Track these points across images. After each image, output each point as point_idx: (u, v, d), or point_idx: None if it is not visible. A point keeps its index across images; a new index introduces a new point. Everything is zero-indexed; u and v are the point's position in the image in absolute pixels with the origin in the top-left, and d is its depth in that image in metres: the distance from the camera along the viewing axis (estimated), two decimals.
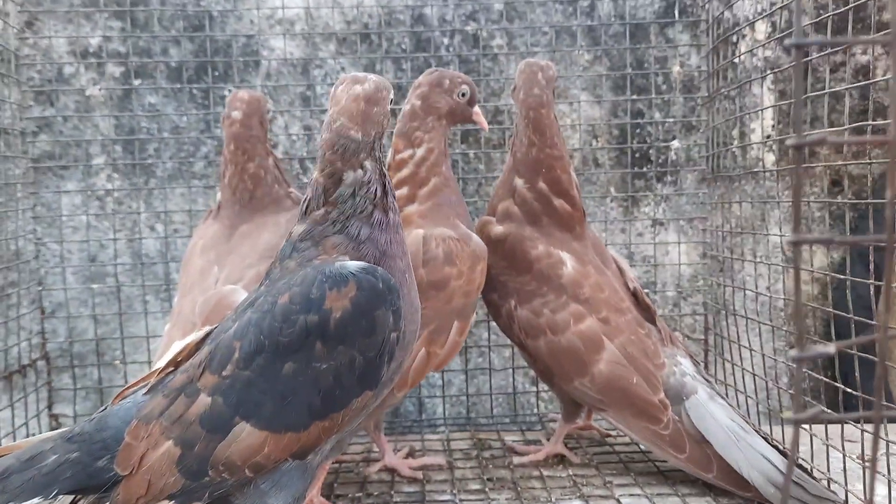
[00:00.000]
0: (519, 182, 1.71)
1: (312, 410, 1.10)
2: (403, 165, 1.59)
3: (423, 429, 2.24)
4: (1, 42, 2.16)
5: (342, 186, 1.17)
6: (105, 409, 1.23)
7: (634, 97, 2.31)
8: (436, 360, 1.51)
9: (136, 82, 2.26)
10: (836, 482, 1.52)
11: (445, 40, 2.29)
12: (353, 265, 1.14)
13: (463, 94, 1.63)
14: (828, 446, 1.57)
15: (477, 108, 1.68)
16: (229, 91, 2.27)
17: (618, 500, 1.57)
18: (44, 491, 1.11)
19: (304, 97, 2.30)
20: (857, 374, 1.47)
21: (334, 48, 2.29)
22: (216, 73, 2.27)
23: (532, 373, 2.33)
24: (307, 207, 1.20)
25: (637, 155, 2.32)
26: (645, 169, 2.32)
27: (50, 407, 2.22)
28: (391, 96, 1.23)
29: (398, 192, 1.55)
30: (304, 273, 1.14)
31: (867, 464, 1.47)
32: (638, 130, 2.32)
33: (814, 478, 1.50)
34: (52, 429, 2.17)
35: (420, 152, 1.58)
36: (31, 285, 2.22)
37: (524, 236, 1.67)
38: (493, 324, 2.24)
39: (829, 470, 1.56)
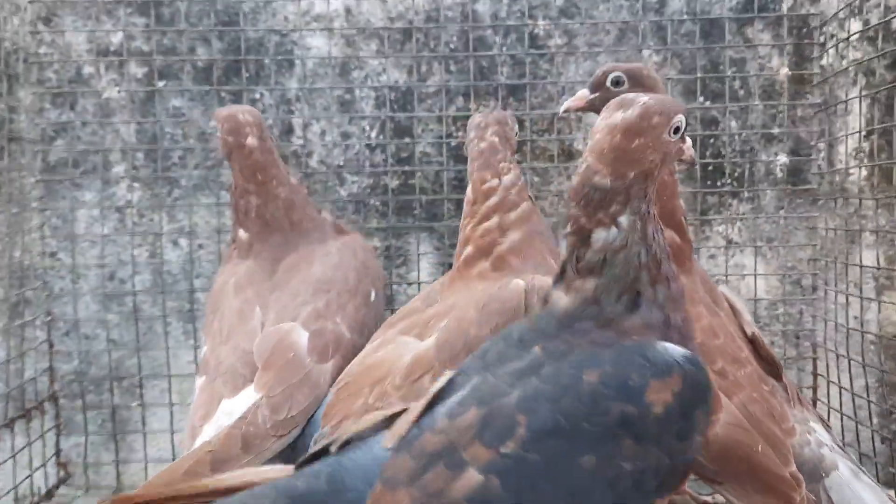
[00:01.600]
0: None
1: None
2: (492, 193, 1.48)
3: None
4: (12, 40, 1.98)
5: (590, 252, 0.95)
6: (326, 454, 0.98)
7: (708, 104, 2.08)
8: None
9: (161, 83, 2.07)
10: None
11: (498, 39, 2.08)
12: (678, 352, 0.94)
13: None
14: None
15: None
16: (261, 94, 2.08)
17: None
18: None
19: (342, 101, 2.10)
20: None
21: (376, 47, 2.09)
22: (247, 75, 2.07)
23: None
24: (563, 271, 0.99)
25: (711, 168, 2.09)
26: (718, 185, 2.09)
27: (58, 454, 2.01)
28: (675, 121, 0.97)
29: (488, 224, 1.44)
30: (618, 353, 0.93)
31: None
32: (712, 141, 2.09)
33: None
34: (61, 481, 1.99)
35: (508, 178, 1.51)
36: (39, 314, 2.02)
37: None
38: None
39: None
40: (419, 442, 0.92)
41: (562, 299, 0.98)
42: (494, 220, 1.45)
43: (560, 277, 0.99)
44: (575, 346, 0.95)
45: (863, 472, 1.34)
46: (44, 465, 1.92)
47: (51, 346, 2.04)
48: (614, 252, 0.95)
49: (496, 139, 1.56)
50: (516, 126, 1.64)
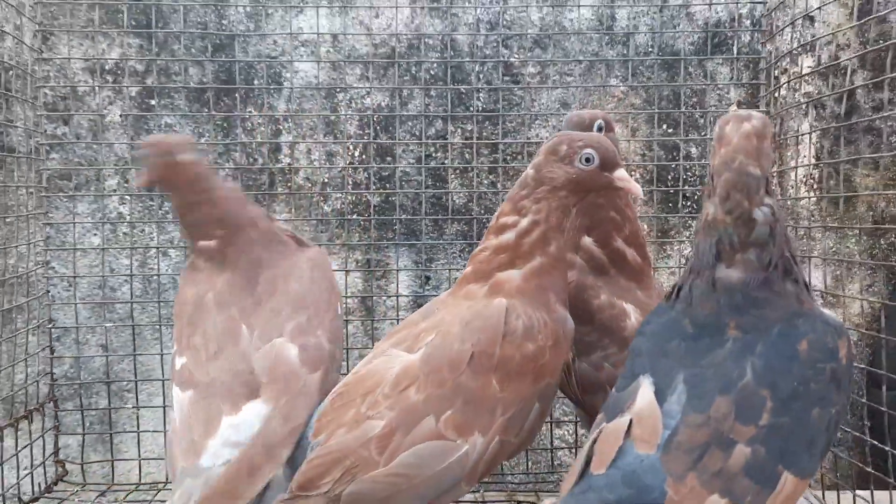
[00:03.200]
0: (587, 240, 1.60)
1: (822, 454, 1.16)
2: (505, 230, 1.39)
3: None
4: (14, 57, 2.07)
5: (758, 226, 1.17)
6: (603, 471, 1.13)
7: (670, 132, 2.22)
8: (509, 450, 1.33)
9: (154, 102, 2.17)
10: None
11: (477, 67, 2.21)
12: (833, 316, 1.22)
13: (587, 160, 1.36)
14: None
15: (620, 173, 1.39)
16: (250, 113, 2.19)
17: None
18: None
19: (327, 122, 2.21)
20: None
21: (360, 72, 2.21)
22: (238, 95, 2.18)
23: (571, 427, 2.23)
24: (718, 252, 1.19)
25: (672, 192, 2.23)
26: (680, 207, 2.23)
27: (56, 453, 2.11)
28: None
29: (499, 258, 1.38)
30: (810, 322, 1.17)
31: None
32: (673, 166, 2.23)
33: None
34: (59, 477, 2.08)
35: (524, 223, 1.38)
36: (41, 322, 2.11)
37: (586, 285, 1.57)
38: None
39: None
40: (682, 439, 1.11)
41: (732, 273, 1.18)
42: (504, 257, 1.39)
43: (718, 257, 1.19)
44: (765, 318, 1.16)
45: None
46: (43, 462, 2.01)
47: (52, 351, 2.14)
48: (773, 223, 1.17)
49: (531, 172, 1.40)
50: (588, 152, 1.37)
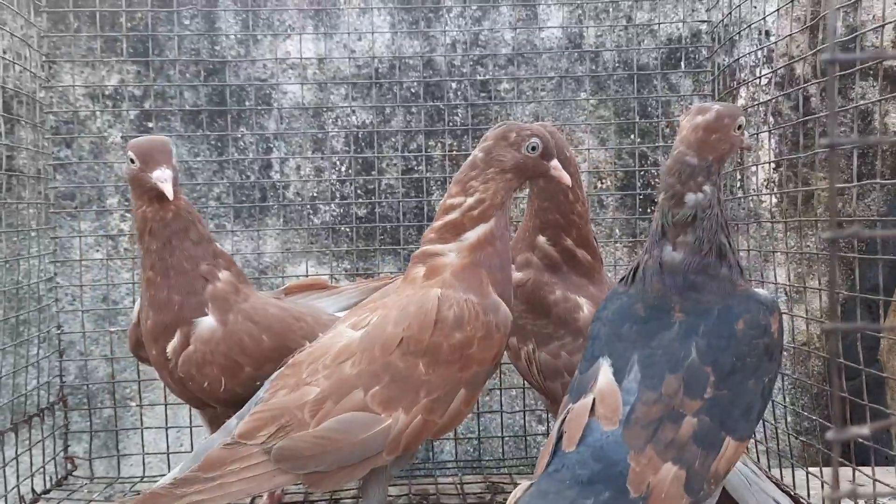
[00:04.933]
0: (542, 239, 1.73)
1: (757, 419, 1.30)
2: (451, 210, 1.49)
3: (436, 471, 2.25)
4: (20, 85, 2.21)
5: (684, 208, 1.31)
6: (574, 447, 1.25)
7: (639, 141, 2.37)
8: (433, 429, 1.43)
9: (151, 125, 2.31)
10: None
11: (454, 84, 2.35)
12: (765, 293, 1.36)
13: (532, 148, 1.48)
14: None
15: (555, 163, 1.52)
16: (242, 132, 2.33)
17: None
18: None
19: (315, 139, 2.35)
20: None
21: (345, 92, 2.35)
22: (230, 116, 2.32)
23: (542, 414, 2.35)
24: (662, 231, 1.33)
25: (641, 197, 2.37)
26: (649, 211, 2.37)
27: (66, 449, 2.23)
28: (739, 121, 1.35)
29: (439, 237, 1.48)
30: (744, 302, 1.30)
31: None
32: (642, 173, 2.37)
33: None
34: (69, 472, 2.21)
35: (470, 201, 1.48)
36: (50, 328, 2.24)
37: (543, 282, 1.70)
38: (501, 365, 2.28)
39: None
40: (639, 415, 1.24)
41: (675, 255, 1.32)
42: (447, 236, 1.48)
43: (663, 235, 1.33)
44: (704, 301, 1.30)
45: None
46: (54, 458, 2.13)
47: (60, 354, 2.26)
48: (703, 208, 1.31)
49: (480, 155, 1.50)
50: (534, 141, 1.48)
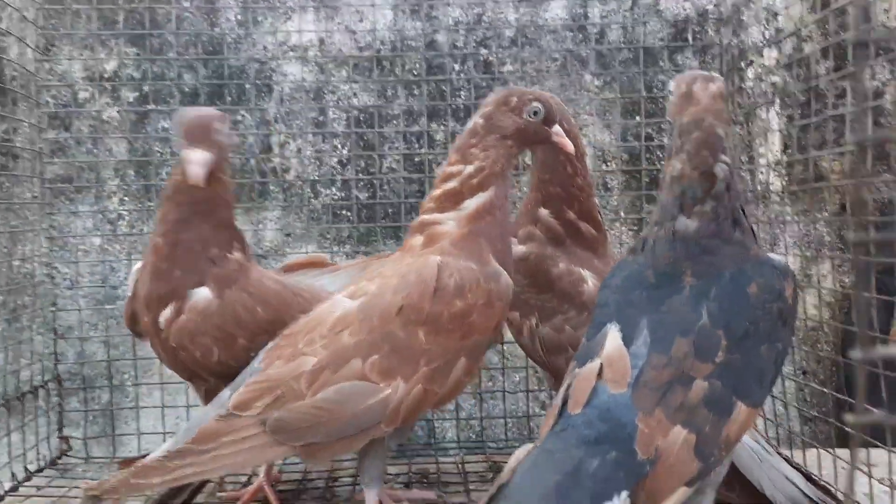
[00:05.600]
0: (544, 212, 1.69)
1: (770, 385, 1.28)
2: (450, 179, 1.47)
3: (437, 452, 2.22)
4: (20, 66, 2.18)
5: (718, 182, 1.28)
6: (581, 410, 1.22)
7: (645, 121, 2.33)
8: (433, 399, 1.40)
9: (151, 106, 2.28)
10: None
11: (457, 66, 2.32)
12: (779, 258, 1.33)
13: (535, 113, 1.46)
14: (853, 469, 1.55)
15: (557, 128, 1.49)
16: (243, 116, 2.30)
17: None
18: (610, 496, 1.13)
19: (316, 122, 2.32)
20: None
21: (346, 74, 2.32)
22: (230, 99, 2.29)
23: (546, 400, 2.31)
24: (682, 205, 1.29)
25: (647, 179, 2.34)
26: (654, 192, 2.33)
27: (60, 429, 2.20)
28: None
29: (442, 205, 1.46)
30: (758, 267, 1.27)
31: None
32: (648, 155, 2.33)
33: (837, 500, 1.48)
34: (63, 451, 2.17)
35: (469, 169, 1.45)
36: (44, 308, 2.21)
37: (546, 255, 1.67)
38: (505, 347, 2.25)
39: (852, 492, 1.55)
40: (648, 378, 1.20)
41: (689, 224, 1.28)
42: (447, 205, 1.46)
43: (681, 209, 1.29)
44: (717, 265, 1.26)
45: None
46: (48, 437, 2.11)
47: (55, 333, 2.23)
48: (728, 181, 1.28)
49: (481, 121, 1.47)
50: (536, 105, 1.46)
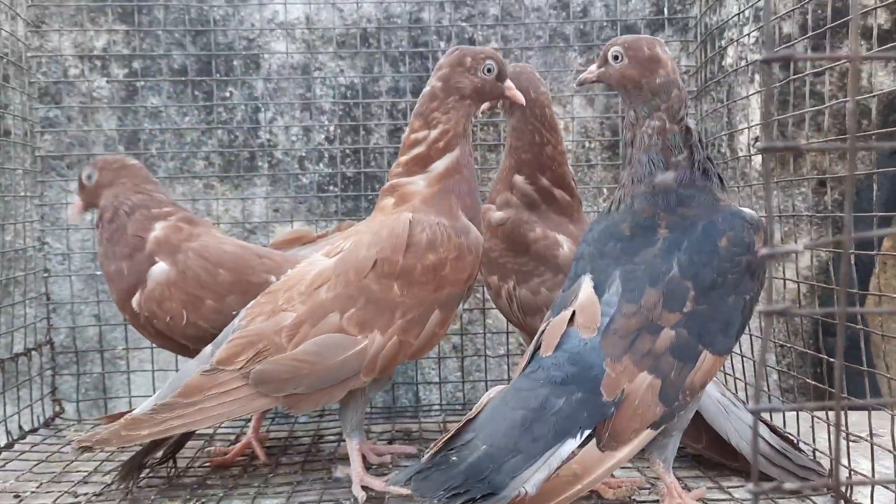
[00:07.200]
0: (518, 179, 1.75)
1: (737, 335, 1.32)
2: (416, 145, 1.53)
3: (420, 414, 2.27)
4: (10, 43, 2.21)
5: (693, 133, 1.38)
6: (554, 354, 1.27)
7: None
8: (409, 350, 1.46)
9: (140, 83, 2.32)
10: (822, 453, 1.58)
11: (442, 43, 2.36)
12: (750, 212, 1.37)
13: (488, 70, 1.52)
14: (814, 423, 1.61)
15: (510, 83, 1.56)
16: (231, 93, 2.33)
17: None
18: (572, 433, 1.19)
19: (303, 98, 2.35)
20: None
21: (333, 51, 2.35)
22: (218, 75, 2.32)
23: None
24: (665, 159, 1.36)
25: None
26: None
27: (53, 392, 2.25)
28: None
29: (410, 169, 1.53)
30: (729, 219, 1.33)
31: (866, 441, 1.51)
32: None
33: (799, 450, 1.54)
34: (56, 414, 2.22)
35: (434, 133, 1.51)
36: (36, 276, 2.25)
37: (522, 220, 1.72)
38: (490, 311, 2.29)
39: (814, 441, 1.61)
40: (617, 326, 1.27)
41: (668, 175, 1.36)
42: (415, 169, 1.53)
43: (661, 163, 1.36)
44: (690, 216, 1.33)
45: None
46: (42, 399, 2.16)
47: (48, 297, 2.28)
48: (698, 132, 1.39)
49: (439, 84, 1.52)
50: (489, 63, 1.52)
